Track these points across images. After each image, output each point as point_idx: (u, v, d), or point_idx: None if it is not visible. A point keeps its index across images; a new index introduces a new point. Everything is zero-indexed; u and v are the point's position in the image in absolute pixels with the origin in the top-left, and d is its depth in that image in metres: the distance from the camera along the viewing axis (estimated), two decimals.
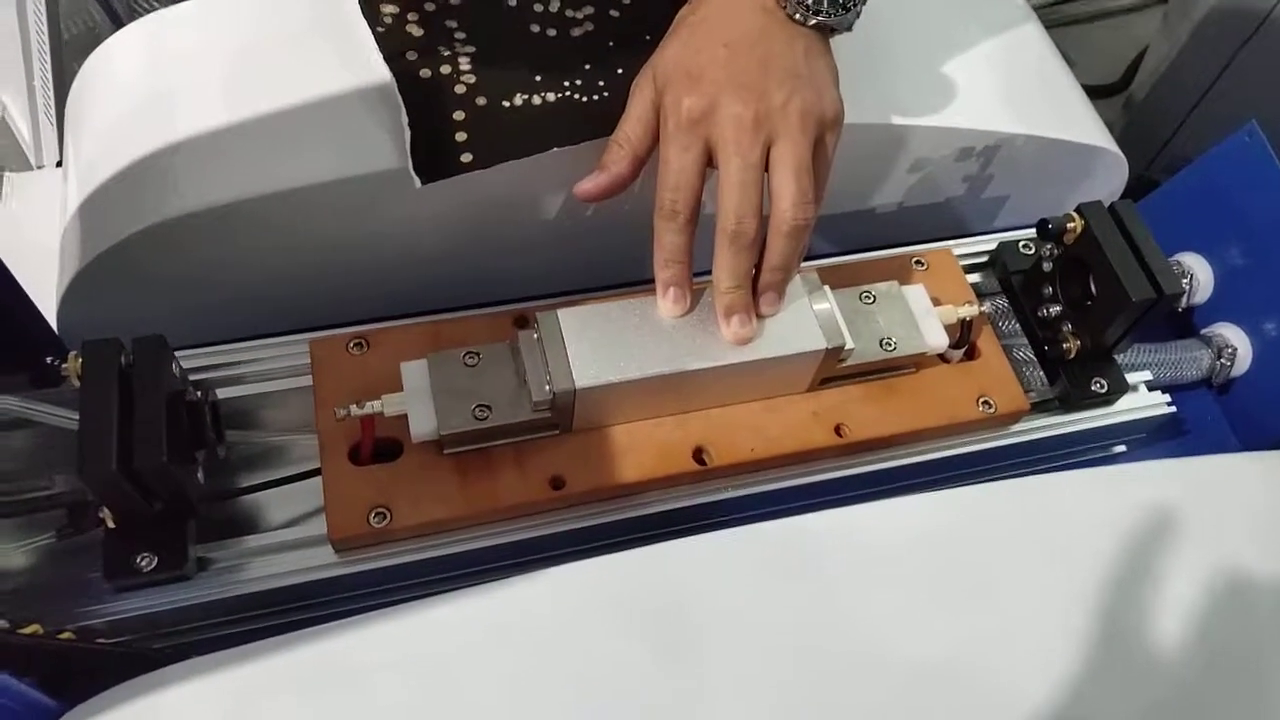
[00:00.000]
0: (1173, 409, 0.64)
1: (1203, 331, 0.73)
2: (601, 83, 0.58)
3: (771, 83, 0.50)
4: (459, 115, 0.56)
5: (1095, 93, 1.26)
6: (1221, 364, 0.71)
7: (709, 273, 0.53)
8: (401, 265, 0.62)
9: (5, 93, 1.11)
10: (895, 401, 0.59)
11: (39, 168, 1.01)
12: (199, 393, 0.52)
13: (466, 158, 0.55)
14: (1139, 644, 0.49)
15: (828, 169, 0.53)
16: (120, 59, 0.63)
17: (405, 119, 0.54)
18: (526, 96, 0.57)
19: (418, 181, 0.54)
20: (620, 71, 0.58)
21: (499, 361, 0.54)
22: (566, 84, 0.58)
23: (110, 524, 0.49)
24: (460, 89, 0.56)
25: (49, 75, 1.12)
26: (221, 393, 0.56)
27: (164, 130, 0.57)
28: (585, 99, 0.57)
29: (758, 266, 0.53)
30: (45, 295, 0.60)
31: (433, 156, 0.54)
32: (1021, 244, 0.66)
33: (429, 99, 0.55)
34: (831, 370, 0.57)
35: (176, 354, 0.52)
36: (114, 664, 0.49)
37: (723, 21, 0.52)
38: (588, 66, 0.58)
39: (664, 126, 0.52)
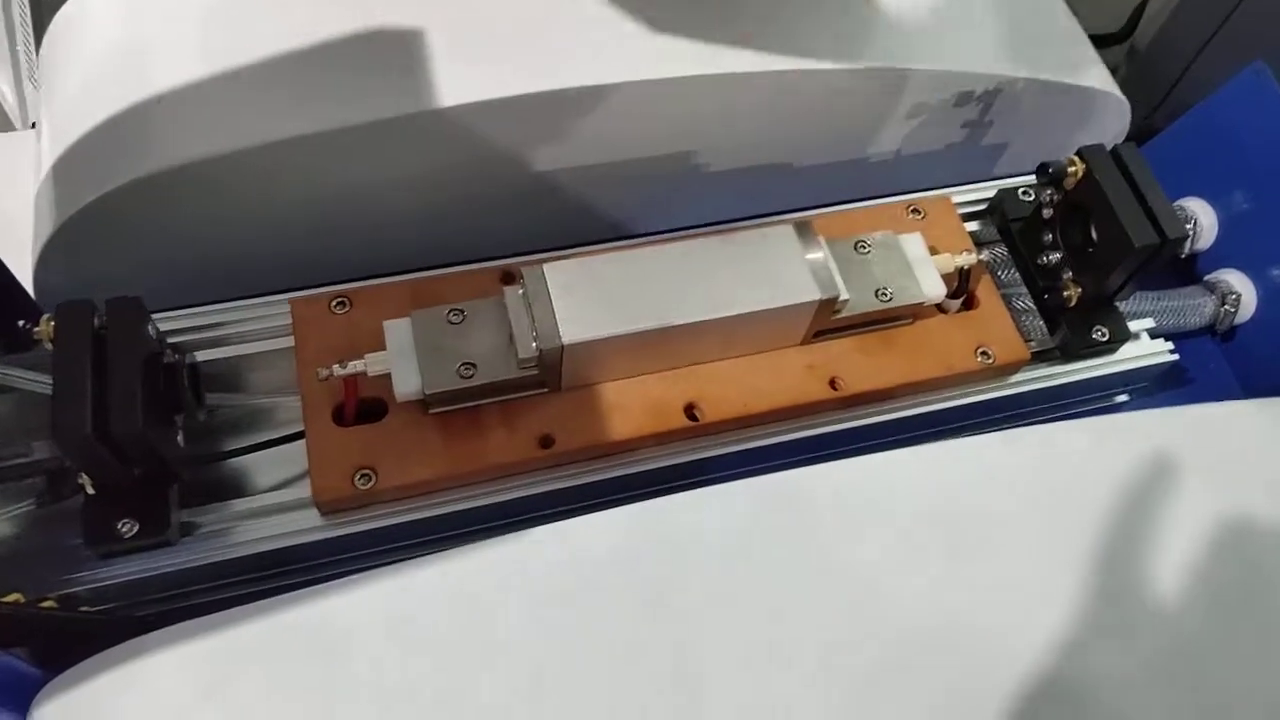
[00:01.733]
0: (1175, 356, 0.63)
1: (1206, 278, 0.71)
2: None
3: None
4: None
5: (1098, 41, 1.22)
6: (1225, 310, 0.69)
7: (711, 224, 0.51)
8: (386, 222, 0.61)
9: None
10: (892, 353, 0.57)
11: (22, 129, 0.99)
12: (176, 355, 0.51)
13: None
14: (1143, 593, 0.49)
15: None
16: (93, 11, 0.61)
17: None
18: None
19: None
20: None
21: (484, 318, 0.52)
22: None
23: (90, 490, 0.48)
24: None
25: (31, 36, 1.09)
26: (202, 355, 0.55)
27: (139, 84, 0.56)
28: None
29: None
30: (22, 258, 0.59)
31: None
32: (1021, 191, 0.64)
33: None
34: (826, 322, 0.55)
35: (154, 316, 0.51)
36: (101, 632, 0.48)
37: None
38: None
39: None
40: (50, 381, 0.47)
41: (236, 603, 0.46)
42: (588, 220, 0.62)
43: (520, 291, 0.51)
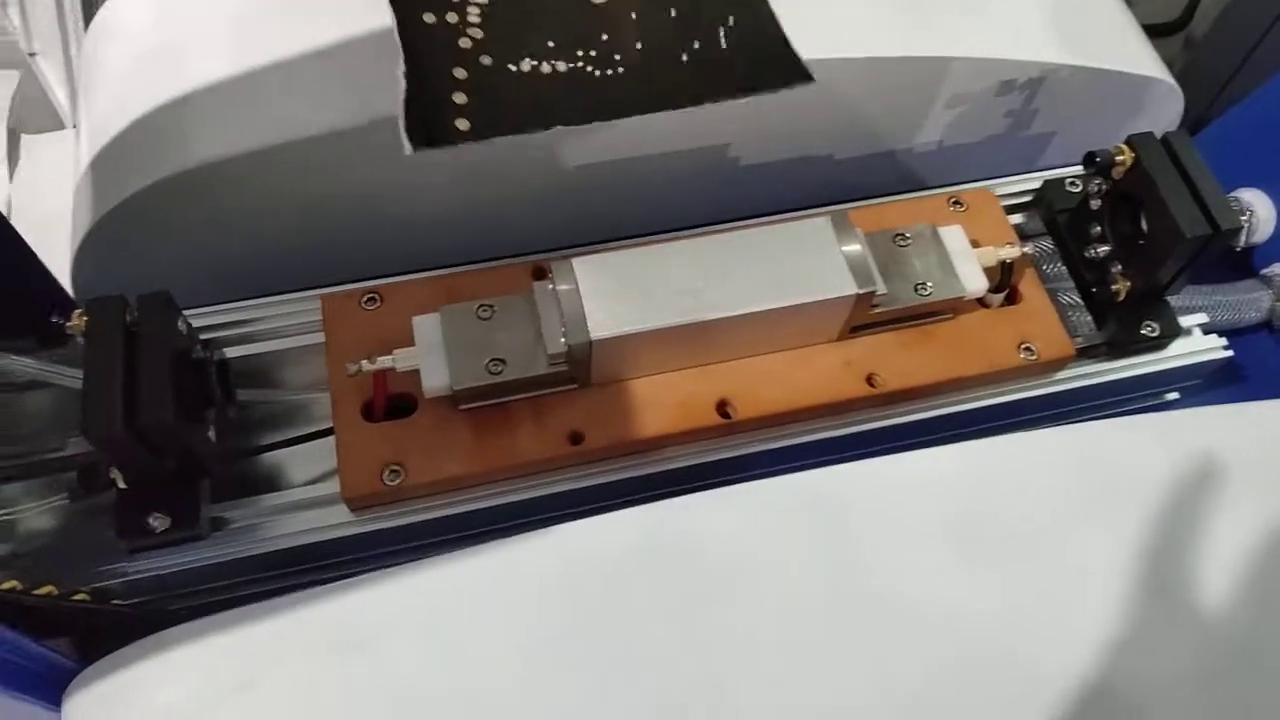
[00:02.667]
0: (1229, 353, 0.61)
1: (1263, 272, 0.69)
2: (618, 56, 0.54)
3: None
4: (460, 73, 0.52)
5: (1155, 31, 1.20)
6: None
7: (746, 218, 0.49)
8: (416, 218, 0.61)
9: (44, 61, 1.11)
10: (931, 349, 0.56)
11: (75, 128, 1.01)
12: (207, 350, 0.51)
13: (462, 124, 0.52)
14: (1192, 598, 0.47)
15: None
16: (130, 11, 0.62)
17: (401, 69, 0.51)
18: (535, 63, 0.53)
19: (408, 146, 0.50)
20: (639, 46, 0.54)
21: (514, 314, 0.52)
22: (580, 54, 0.54)
23: (121, 485, 0.49)
24: (465, 43, 0.53)
25: (83, 36, 1.11)
26: (233, 351, 0.55)
27: (175, 82, 0.56)
28: (599, 73, 0.54)
29: None
30: (62, 256, 0.60)
31: (426, 119, 0.51)
32: (1068, 181, 0.62)
33: (430, 47, 0.52)
34: (863, 317, 0.54)
35: (186, 312, 0.51)
36: (133, 625, 0.48)
37: None
38: (605, 37, 0.55)
39: None
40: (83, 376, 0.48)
41: (266, 597, 0.46)
42: (619, 216, 0.61)
43: (549, 287, 0.50)
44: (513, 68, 0.53)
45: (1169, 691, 0.44)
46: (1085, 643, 0.45)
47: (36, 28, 1.12)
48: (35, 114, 1.03)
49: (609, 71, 0.54)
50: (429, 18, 0.54)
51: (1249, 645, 0.46)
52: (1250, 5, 1.13)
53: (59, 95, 1.11)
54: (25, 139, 0.77)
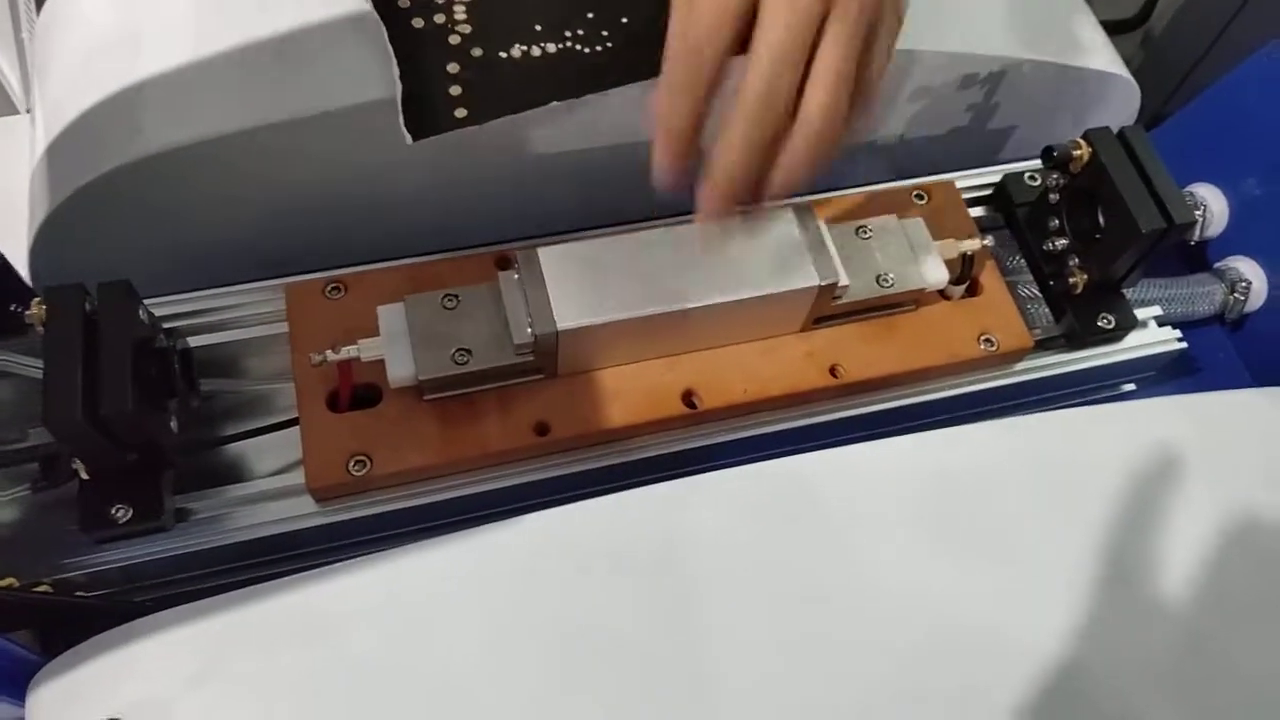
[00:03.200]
0: (1183, 345, 0.62)
1: (1216, 266, 0.70)
2: (605, 32, 0.55)
3: None
4: (453, 68, 0.53)
5: (1113, 27, 1.21)
6: (1235, 298, 0.68)
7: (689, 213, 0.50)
8: (381, 206, 0.60)
9: None
10: (893, 340, 0.57)
11: (22, 113, 0.99)
12: (169, 340, 0.51)
13: (461, 113, 0.52)
14: (1147, 585, 0.48)
15: (877, 73, 0.44)
16: None
17: (395, 71, 0.52)
18: (525, 48, 0.54)
19: (408, 138, 0.51)
20: (625, 21, 0.55)
21: (479, 304, 0.52)
22: (568, 34, 0.55)
23: (84, 475, 0.48)
24: (455, 39, 0.54)
25: (35, 20, 1.09)
26: (196, 340, 0.55)
27: (132, 66, 0.55)
28: (588, 50, 0.54)
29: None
30: (17, 242, 0.59)
31: (424, 111, 0.52)
32: (1027, 175, 0.63)
33: (421, 51, 0.53)
34: (826, 308, 0.55)
35: (148, 301, 0.51)
36: (97, 617, 0.48)
37: None
38: (590, 15, 0.55)
39: None
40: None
41: (232, 588, 0.46)
42: (583, 205, 0.61)
43: (515, 276, 0.51)
44: (504, 54, 0.54)
45: (1126, 673, 0.46)
46: (1045, 627, 0.46)
47: None
48: None
49: (598, 48, 0.55)
50: (417, 22, 0.54)
51: (1203, 629, 0.47)
52: (1207, 2, 1.15)
53: (10, 79, 1.09)
54: None
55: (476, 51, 0.54)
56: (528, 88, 0.53)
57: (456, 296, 0.52)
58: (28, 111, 0.86)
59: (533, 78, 0.54)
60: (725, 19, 0.40)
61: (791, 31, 0.39)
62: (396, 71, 0.52)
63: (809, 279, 0.52)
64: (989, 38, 0.63)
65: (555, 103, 0.53)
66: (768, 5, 0.40)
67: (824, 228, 0.53)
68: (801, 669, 0.45)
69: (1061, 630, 0.46)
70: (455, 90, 0.53)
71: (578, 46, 0.54)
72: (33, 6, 1.13)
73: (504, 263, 0.55)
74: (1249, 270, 0.69)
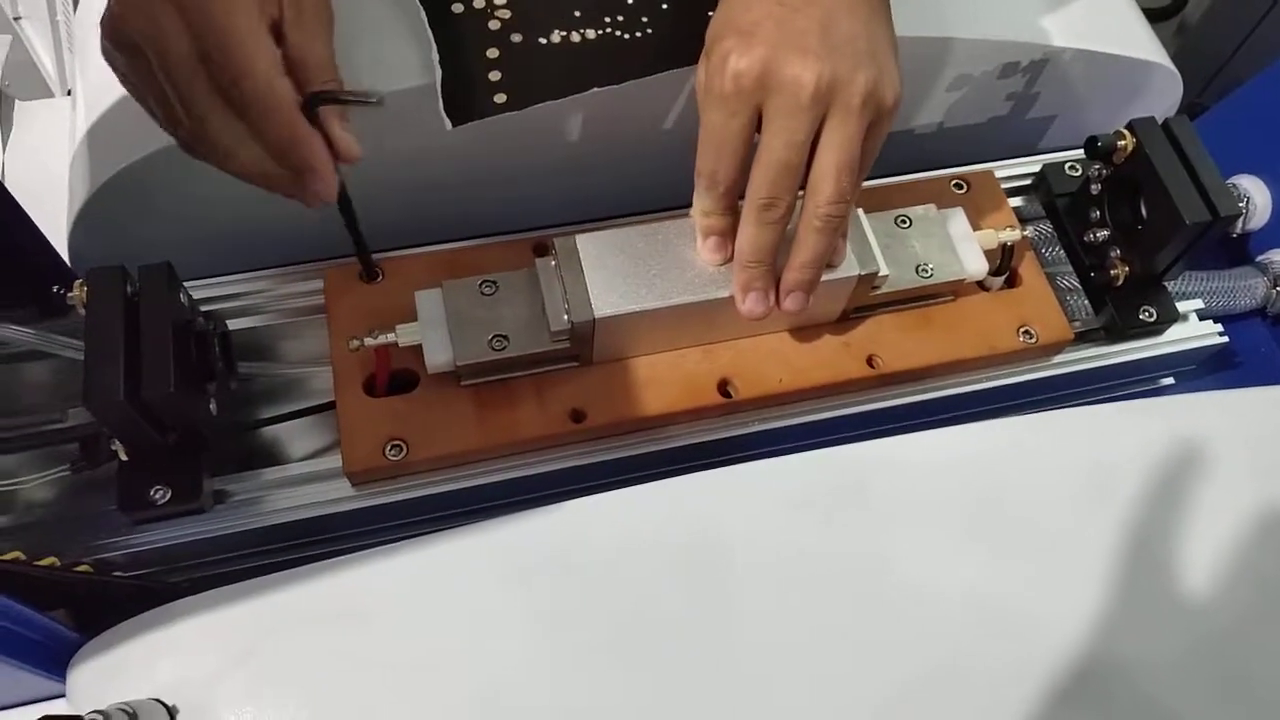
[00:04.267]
0: (1225, 339, 0.61)
1: (1258, 259, 0.69)
2: (645, 18, 0.55)
3: (835, 50, 0.44)
4: (493, 53, 0.53)
5: (1149, 16, 1.20)
6: (1277, 292, 0.67)
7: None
8: (419, 192, 0.60)
9: (29, 25, 1.10)
10: (931, 331, 0.56)
11: (62, 97, 0.99)
12: (208, 323, 0.51)
13: (500, 98, 0.52)
14: (1184, 580, 0.47)
15: (872, 159, 0.48)
16: None
17: (435, 56, 0.52)
18: (565, 33, 0.54)
19: (448, 123, 0.51)
20: (665, 6, 0.55)
21: (516, 290, 0.52)
22: (608, 20, 0.55)
23: (123, 456, 0.49)
24: (494, 24, 0.54)
25: (70, 4, 1.10)
26: (234, 324, 0.55)
27: None
28: (628, 35, 0.54)
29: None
30: (57, 224, 0.59)
31: (464, 97, 0.52)
32: (1068, 165, 0.63)
33: (461, 35, 0.53)
34: (864, 298, 0.54)
35: (187, 284, 0.51)
36: (134, 597, 0.48)
37: None
38: (630, 1, 0.55)
39: (708, 87, 0.46)
40: (83, 347, 0.47)
41: (270, 570, 0.46)
42: (621, 192, 0.61)
43: (553, 263, 0.50)
44: (543, 40, 0.54)
45: (1160, 669, 0.45)
46: (1087, 618, 0.45)
47: None
48: (22, 80, 1.01)
49: (637, 34, 0.54)
50: (457, 8, 0.54)
51: (1239, 625, 0.47)
52: None
53: (45, 62, 1.10)
54: (18, 106, 0.76)
55: (516, 38, 0.53)
56: (567, 74, 0.53)
57: (494, 283, 0.52)
58: (68, 93, 0.86)
59: (572, 64, 0.53)
60: (737, 146, 0.46)
61: (789, 148, 0.45)
62: (436, 57, 0.52)
63: (849, 268, 0.51)
64: (1031, 26, 0.62)
65: (595, 89, 0.53)
66: (769, 122, 0.45)
67: (863, 217, 0.53)
68: (840, 655, 0.44)
69: (1098, 622, 0.45)
70: (495, 76, 0.53)
71: (617, 32, 0.54)
72: None
73: (541, 249, 0.55)
74: None
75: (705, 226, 0.50)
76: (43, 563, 0.48)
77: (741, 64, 0.44)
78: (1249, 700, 0.46)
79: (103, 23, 0.41)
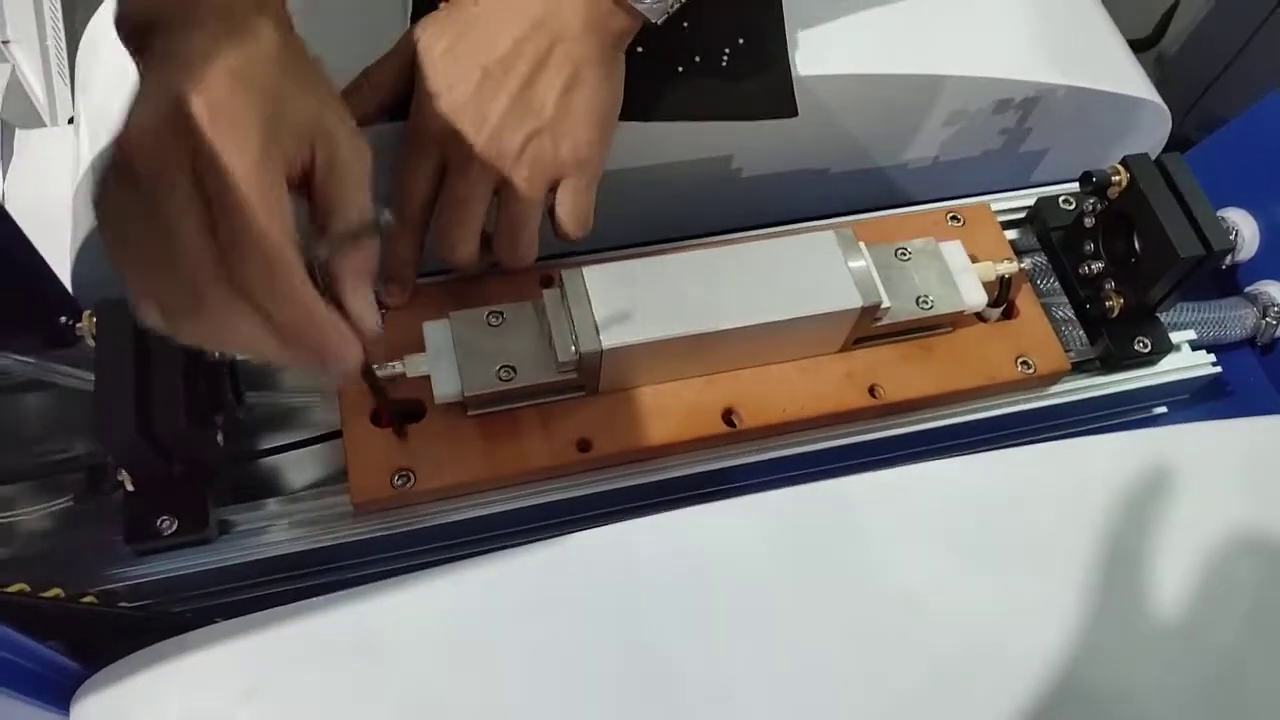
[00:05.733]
0: (1218, 369, 0.62)
1: (1247, 289, 0.71)
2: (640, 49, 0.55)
3: (510, 123, 0.49)
4: None
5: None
6: (1267, 323, 0.69)
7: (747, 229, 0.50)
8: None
9: (19, 50, 1.10)
10: (931, 361, 0.57)
11: (53, 125, 0.99)
12: (217, 354, 0.51)
13: None
14: (1181, 611, 0.48)
15: (578, 205, 0.53)
16: None
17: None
18: None
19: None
20: (639, 50, 0.55)
21: (523, 321, 0.52)
22: None
23: (129, 487, 0.48)
24: None
25: (61, 32, 1.10)
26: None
27: None
28: None
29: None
30: (60, 254, 0.59)
31: None
32: (1062, 199, 0.64)
33: None
34: (866, 329, 0.55)
35: None
36: (138, 628, 0.48)
37: (495, 25, 0.49)
38: None
39: (409, 126, 0.51)
40: (90, 378, 0.47)
41: (274, 601, 0.46)
42: (625, 224, 0.62)
43: (559, 295, 0.51)
44: None
45: (1159, 694, 0.46)
46: (1085, 648, 0.46)
47: (13, 19, 1.10)
48: (15, 108, 1.01)
49: None
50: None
51: (1235, 653, 0.48)
52: (1222, 24, 1.16)
53: (36, 89, 1.10)
54: (19, 134, 0.76)
55: None
56: None
57: (501, 314, 0.52)
58: (69, 122, 0.86)
59: None
60: (419, 197, 0.52)
61: (459, 209, 0.51)
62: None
63: (851, 300, 0.52)
64: (1024, 63, 0.64)
65: None
66: (446, 180, 0.51)
67: (865, 250, 0.54)
68: (839, 688, 0.45)
69: (1100, 655, 0.46)
70: None
71: None
72: (59, 17, 1.14)
73: (547, 281, 0.56)
74: None
75: (386, 275, 0.54)
76: (47, 594, 0.47)
77: (428, 121, 0.50)
78: None
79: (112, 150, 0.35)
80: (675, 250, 0.53)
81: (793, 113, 0.59)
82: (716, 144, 0.62)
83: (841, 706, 0.44)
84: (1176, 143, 0.75)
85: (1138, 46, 1.40)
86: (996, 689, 0.45)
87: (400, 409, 0.51)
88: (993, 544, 0.49)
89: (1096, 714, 0.45)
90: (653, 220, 0.62)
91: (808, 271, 0.52)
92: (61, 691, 0.46)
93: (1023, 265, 0.58)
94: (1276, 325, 0.68)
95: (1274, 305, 0.68)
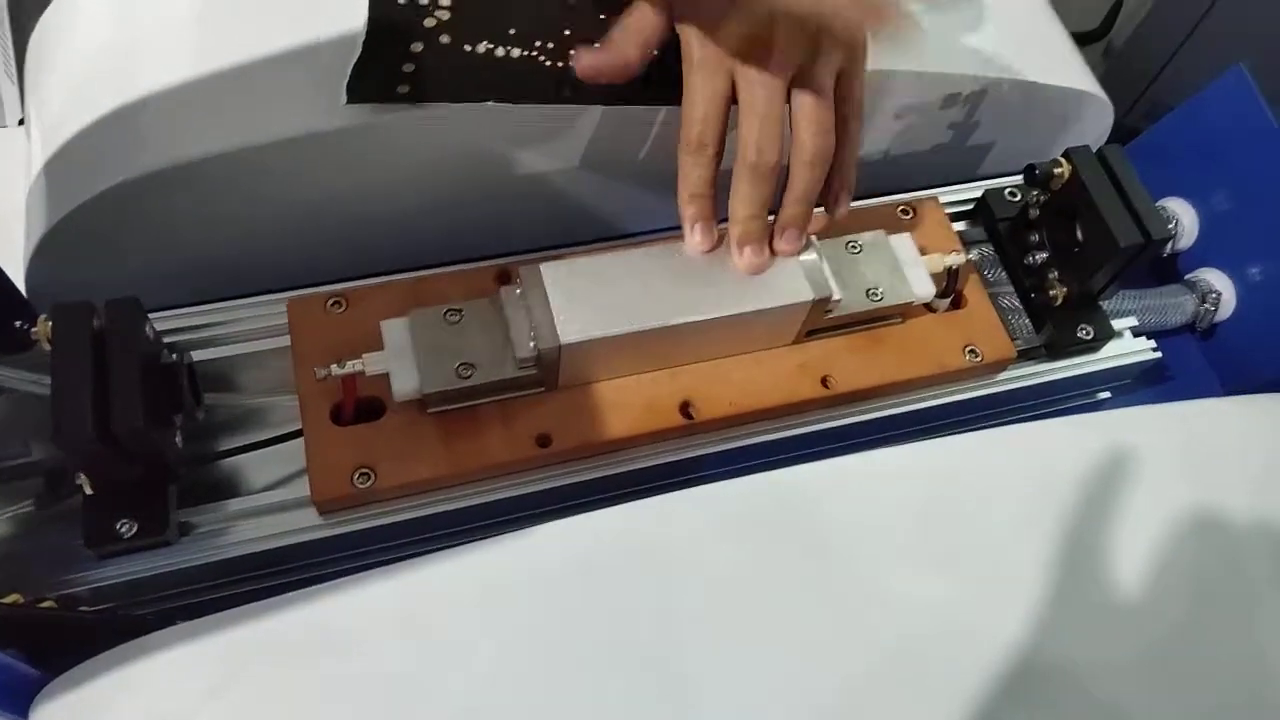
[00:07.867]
0: (1158, 355, 0.64)
1: (1187, 277, 0.73)
2: (573, 51, 0.55)
3: (782, 20, 0.48)
4: (417, 47, 0.52)
5: (1077, 39, 1.25)
6: (1205, 309, 0.71)
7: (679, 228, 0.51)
8: (381, 221, 0.61)
9: None
10: (882, 352, 0.58)
11: (3, 127, 0.98)
12: (174, 355, 0.51)
13: (404, 89, 0.53)
14: (1127, 585, 0.50)
15: (860, 88, 0.52)
16: (81, 10, 0.61)
17: (362, 35, 0.51)
18: (492, 47, 0.54)
19: (343, 98, 0.52)
20: (597, 46, 0.55)
21: (482, 318, 0.53)
22: (538, 44, 0.55)
23: (89, 490, 0.48)
24: (430, 21, 0.53)
25: (8, 32, 1.08)
26: (198, 355, 0.55)
27: (129, 84, 0.55)
28: (549, 63, 0.55)
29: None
30: (13, 258, 0.59)
31: (370, 79, 0.52)
32: (1008, 191, 0.65)
33: (394, 23, 0.52)
34: (818, 321, 0.56)
35: (150, 316, 0.51)
36: (100, 632, 0.48)
37: None
38: (567, 32, 0.56)
39: (687, 50, 0.50)
40: (47, 382, 0.47)
41: (236, 602, 0.46)
42: (582, 219, 0.63)
43: (517, 291, 0.52)
44: (468, 48, 0.53)
45: (1108, 671, 0.47)
46: (1040, 628, 0.47)
47: None
48: None
49: (560, 64, 0.55)
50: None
51: (1183, 625, 0.49)
52: (1167, 18, 1.19)
53: None
54: None
55: (445, 39, 0.53)
56: (474, 83, 0.54)
57: (460, 311, 0.52)
58: (20, 123, 0.85)
59: (485, 76, 0.54)
60: (715, 112, 0.50)
61: (769, 103, 0.49)
62: (362, 34, 0.51)
63: (803, 293, 0.53)
64: (971, 58, 0.65)
65: (490, 103, 0.54)
66: (743, 87, 0.49)
67: (815, 243, 0.55)
68: (795, 672, 0.46)
69: (1046, 628, 0.48)
70: (409, 68, 0.52)
71: (541, 58, 0.54)
72: (4, 18, 1.12)
73: (505, 277, 0.56)
74: (1218, 281, 0.71)
75: (690, 215, 0.52)
76: (6, 599, 0.47)
77: (718, 29, 0.48)
78: (1189, 696, 0.48)
79: None
80: (632, 246, 0.53)
81: None
82: (671, 138, 0.63)
83: (796, 690, 0.45)
84: (1124, 133, 0.77)
85: (1087, 39, 1.43)
86: (950, 668, 0.47)
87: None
88: (944, 526, 0.50)
89: (1047, 688, 0.47)
90: (611, 217, 0.63)
91: (793, 254, 0.53)
92: (21, 698, 0.45)
93: (970, 256, 0.60)
94: (1215, 311, 0.71)
95: (1212, 292, 0.71)
